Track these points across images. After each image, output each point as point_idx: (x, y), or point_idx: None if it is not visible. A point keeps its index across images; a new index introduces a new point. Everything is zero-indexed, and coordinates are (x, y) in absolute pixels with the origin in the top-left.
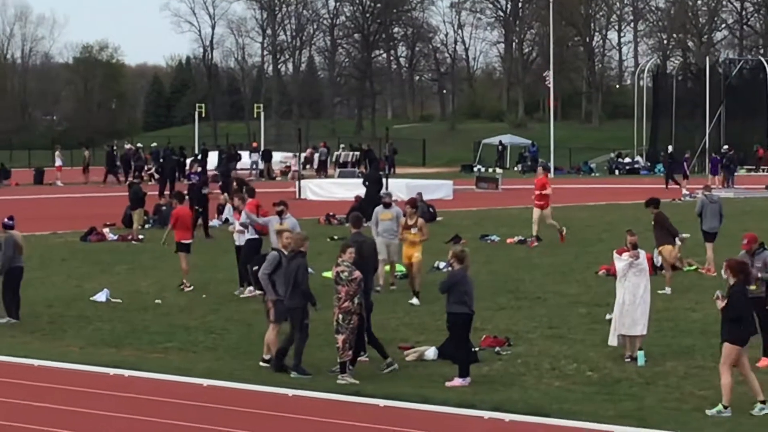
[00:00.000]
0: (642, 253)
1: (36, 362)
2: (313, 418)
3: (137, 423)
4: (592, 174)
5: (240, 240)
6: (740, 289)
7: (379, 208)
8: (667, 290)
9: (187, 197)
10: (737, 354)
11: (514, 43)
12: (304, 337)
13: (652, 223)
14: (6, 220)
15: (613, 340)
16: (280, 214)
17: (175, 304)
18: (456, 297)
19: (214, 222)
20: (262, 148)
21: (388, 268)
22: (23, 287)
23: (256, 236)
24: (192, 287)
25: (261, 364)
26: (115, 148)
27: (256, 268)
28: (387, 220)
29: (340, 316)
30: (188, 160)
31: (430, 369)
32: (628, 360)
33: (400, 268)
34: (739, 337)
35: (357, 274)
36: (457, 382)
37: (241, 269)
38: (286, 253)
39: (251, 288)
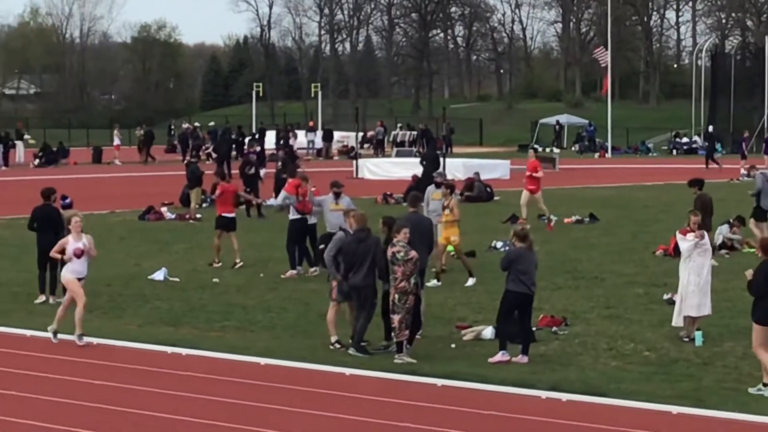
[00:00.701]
0: (706, 234)
1: (95, 340)
2: (369, 397)
3: (194, 401)
4: (650, 154)
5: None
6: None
7: (431, 188)
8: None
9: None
10: (764, 334)
11: (571, 23)
12: (370, 316)
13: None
14: (62, 200)
15: (678, 321)
16: (337, 195)
17: (233, 283)
18: (512, 275)
19: (270, 201)
20: (322, 128)
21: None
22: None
23: (298, 216)
24: (220, 263)
25: (331, 348)
26: (173, 127)
27: (322, 246)
28: (437, 200)
29: (396, 296)
30: (246, 140)
31: (487, 348)
32: (686, 340)
33: (451, 248)
34: (763, 317)
35: (413, 254)
36: (497, 357)
37: (290, 249)
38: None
39: (299, 268)
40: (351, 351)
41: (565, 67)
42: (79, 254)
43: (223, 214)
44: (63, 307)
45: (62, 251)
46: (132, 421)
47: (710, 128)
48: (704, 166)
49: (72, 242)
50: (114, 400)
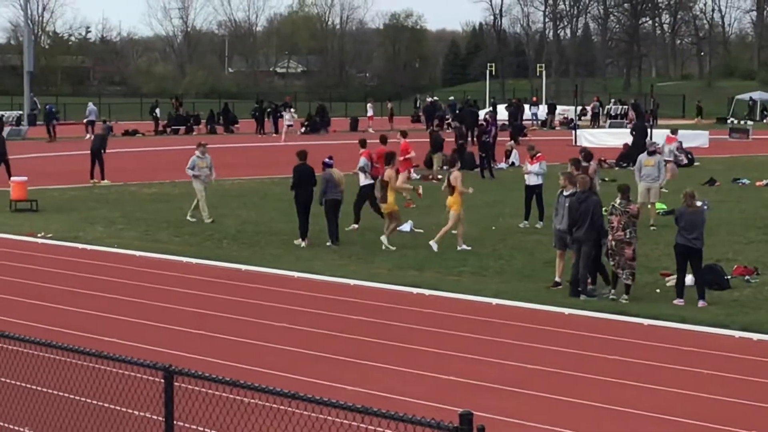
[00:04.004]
0: None
1: (351, 282)
2: (584, 333)
3: (434, 335)
4: None
5: (531, 180)
6: None
7: (643, 155)
8: None
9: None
10: None
11: (765, 11)
12: (589, 264)
13: None
14: (326, 159)
15: None
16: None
17: (469, 235)
18: (678, 230)
19: (501, 165)
20: (546, 103)
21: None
22: (342, 218)
23: (371, 181)
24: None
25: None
26: (418, 101)
27: None
28: (650, 166)
29: (613, 243)
30: (481, 112)
31: (688, 293)
32: None
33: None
34: None
35: (632, 206)
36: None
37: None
38: (566, 193)
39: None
40: (582, 298)
41: (759, 49)
42: None
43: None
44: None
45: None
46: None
47: None
48: None
49: None
50: (368, 333)
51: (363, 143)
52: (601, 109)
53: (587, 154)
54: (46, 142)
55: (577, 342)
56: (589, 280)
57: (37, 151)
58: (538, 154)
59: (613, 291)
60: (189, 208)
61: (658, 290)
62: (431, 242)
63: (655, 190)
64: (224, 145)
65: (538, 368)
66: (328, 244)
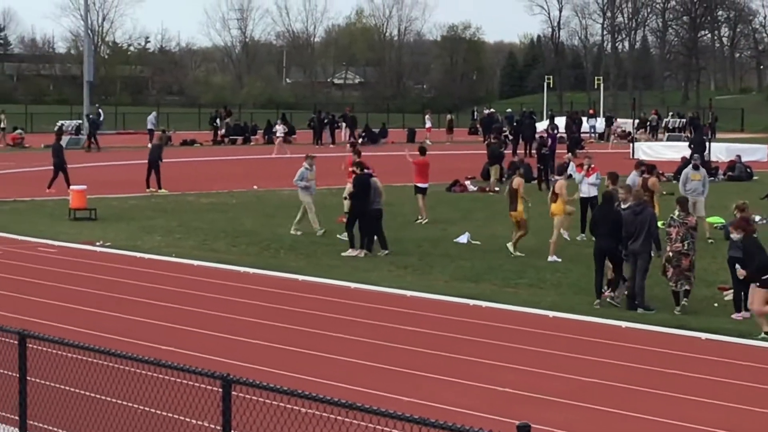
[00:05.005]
0: None
1: (408, 293)
2: (641, 347)
3: (492, 347)
4: None
5: (590, 192)
6: None
7: (688, 169)
8: None
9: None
10: None
11: None
12: (645, 276)
13: None
14: (366, 170)
15: None
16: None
17: (526, 246)
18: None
19: (557, 178)
20: (603, 115)
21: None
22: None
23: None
24: (427, 220)
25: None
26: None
27: None
28: (695, 180)
29: (670, 254)
30: (538, 125)
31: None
32: None
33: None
34: None
35: (691, 219)
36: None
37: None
38: (624, 206)
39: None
40: (639, 311)
41: None
42: None
43: (417, 184)
44: None
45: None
46: (456, 366)
47: None
48: None
49: None
50: (421, 342)
51: (423, 151)
52: (659, 122)
53: (649, 167)
54: (85, 150)
55: (634, 355)
56: (609, 291)
57: (95, 160)
58: (593, 166)
59: (677, 309)
60: (293, 221)
61: (716, 304)
62: (550, 258)
63: (701, 204)
64: (281, 155)
65: (595, 381)
66: (385, 253)
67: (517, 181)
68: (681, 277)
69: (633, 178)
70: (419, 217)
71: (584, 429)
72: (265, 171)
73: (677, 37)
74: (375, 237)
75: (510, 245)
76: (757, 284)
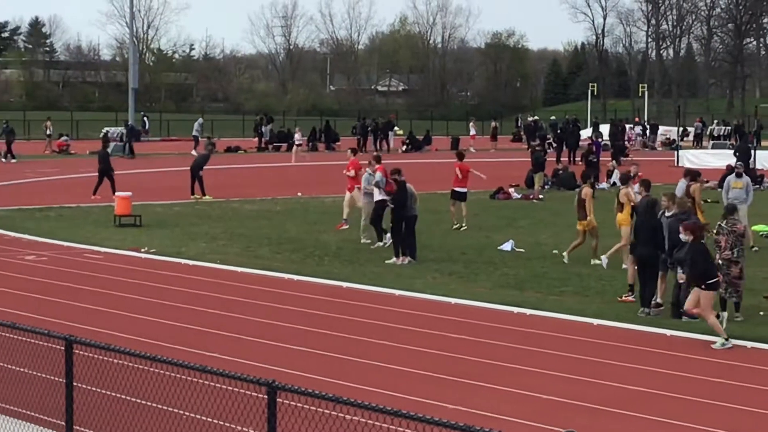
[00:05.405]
0: None
1: (452, 300)
2: (686, 355)
3: (535, 354)
4: None
5: (377, 197)
6: None
7: (731, 177)
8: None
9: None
10: None
11: None
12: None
13: None
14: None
15: None
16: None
17: (572, 255)
18: None
19: (603, 185)
20: (648, 123)
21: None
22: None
23: (385, 197)
24: (465, 227)
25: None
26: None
27: None
28: (737, 188)
29: (720, 262)
30: (582, 132)
31: None
32: None
33: (763, 228)
34: None
35: (739, 226)
36: None
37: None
38: (668, 214)
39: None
40: (684, 319)
41: None
42: None
43: (455, 188)
44: None
45: None
46: (474, 368)
47: None
48: None
49: None
50: (467, 350)
51: (460, 156)
52: (703, 130)
53: (694, 174)
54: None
55: (679, 364)
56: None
57: (141, 167)
58: (639, 174)
59: (723, 314)
60: (360, 230)
61: (761, 313)
62: (602, 257)
63: (744, 212)
64: (325, 162)
65: (640, 389)
66: (400, 261)
67: (586, 191)
68: (730, 286)
69: (681, 186)
70: (456, 224)
71: None
72: (309, 178)
73: (722, 44)
74: (413, 241)
75: (600, 259)
76: None
